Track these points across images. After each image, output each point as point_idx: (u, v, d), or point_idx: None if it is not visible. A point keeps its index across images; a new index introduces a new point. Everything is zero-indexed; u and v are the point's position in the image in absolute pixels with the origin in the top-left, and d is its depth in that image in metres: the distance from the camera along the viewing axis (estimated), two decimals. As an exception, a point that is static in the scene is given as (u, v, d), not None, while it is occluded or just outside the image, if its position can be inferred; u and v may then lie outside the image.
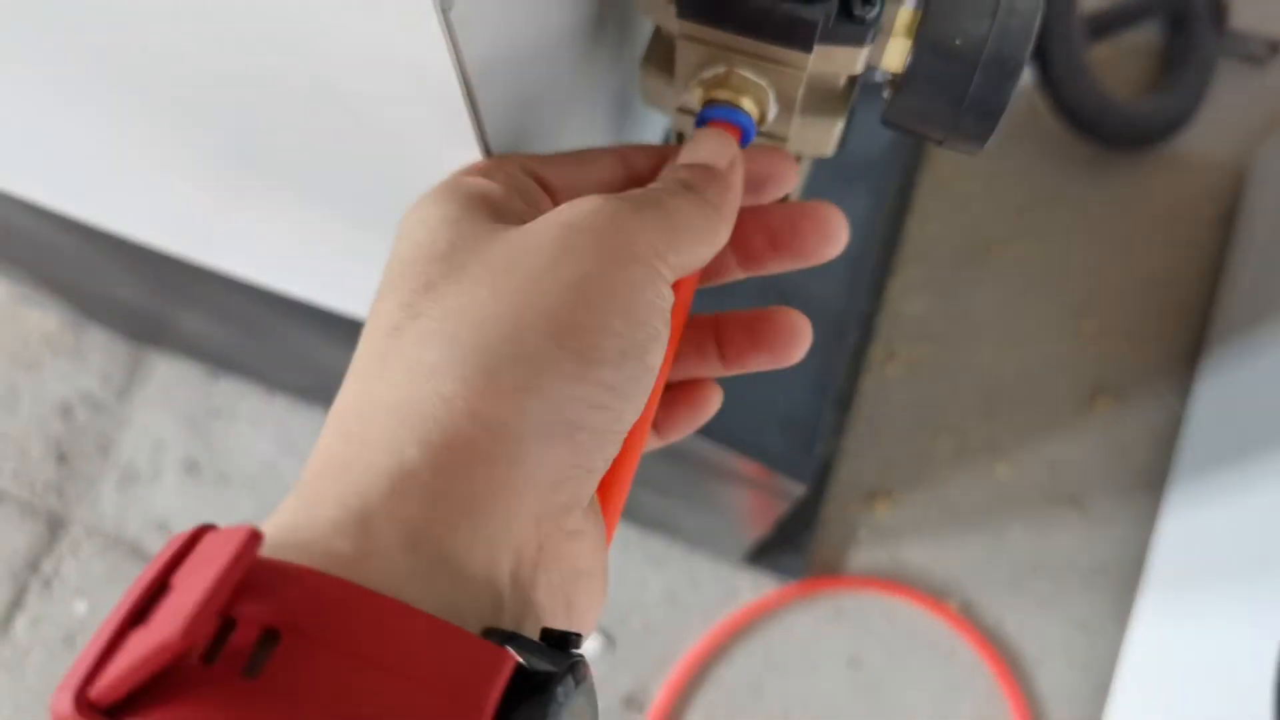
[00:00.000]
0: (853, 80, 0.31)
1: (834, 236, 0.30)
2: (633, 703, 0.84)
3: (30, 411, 0.90)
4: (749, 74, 0.30)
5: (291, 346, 0.70)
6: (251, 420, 0.89)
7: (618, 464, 0.25)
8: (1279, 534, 0.72)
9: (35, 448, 0.89)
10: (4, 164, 0.46)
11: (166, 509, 0.87)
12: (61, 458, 0.88)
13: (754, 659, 0.86)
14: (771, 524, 0.70)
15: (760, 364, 0.31)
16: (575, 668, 0.19)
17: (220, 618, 0.17)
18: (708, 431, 0.54)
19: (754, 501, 0.64)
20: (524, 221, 0.25)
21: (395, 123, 0.29)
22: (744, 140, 0.30)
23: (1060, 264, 0.98)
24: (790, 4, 0.26)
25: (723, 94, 0.30)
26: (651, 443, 0.32)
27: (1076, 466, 0.92)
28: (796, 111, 0.31)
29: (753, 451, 0.54)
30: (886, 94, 0.30)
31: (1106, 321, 0.96)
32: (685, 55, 0.30)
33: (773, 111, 0.31)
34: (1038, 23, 0.26)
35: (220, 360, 0.87)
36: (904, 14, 0.28)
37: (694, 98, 0.31)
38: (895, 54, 0.28)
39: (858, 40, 0.27)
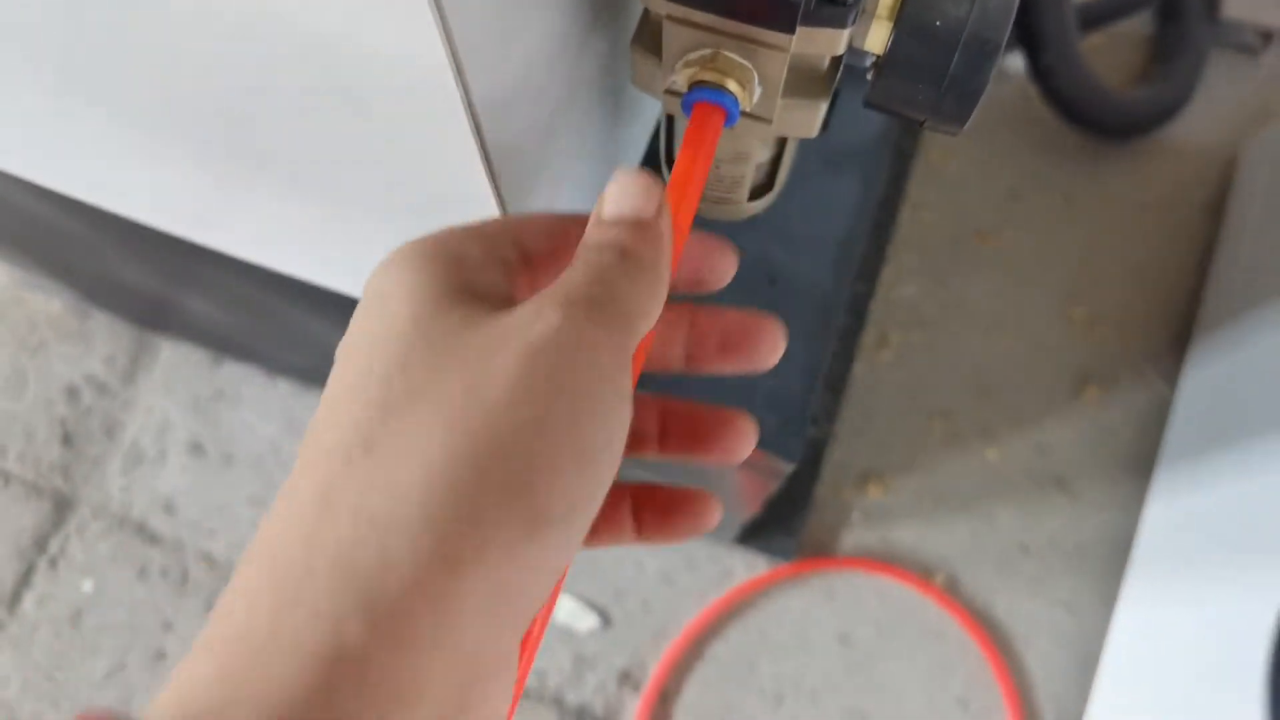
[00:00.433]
0: (836, 62, 0.33)
1: (779, 348, 0.30)
2: (628, 679, 0.85)
3: (36, 394, 0.91)
4: (734, 56, 0.31)
5: (294, 329, 0.71)
6: (255, 402, 0.90)
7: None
8: (1261, 518, 0.73)
9: (41, 429, 0.90)
10: (8, 147, 0.47)
11: (171, 490, 0.88)
12: (67, 439, 0.90)
13: (747, 637, 0.87)
14: (762, 503, 0.71)
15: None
16: None
17: None
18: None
19: (744, 481, 0.65)
20: (497, 298, 0.24)
21: (391, 110, 0.30)
22: (728, 120, 0.32)
23: (1051, 251, 1.00)
24: (772, -12, 0.27)
25: (708, 75, 0.31)
26: (627, 538, 0.30)
27: (1065, 451, 0.93)
28: (780, 93, 0.32)
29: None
30: (869, 76, 0.31)
31: (1096, 308, 0.98)
32: (672, 37, 0.31)
33: (757, 93, 0.32)
34: (1016, 5, 0.27)
35: (224, 343, 0.89)
36: (884, -3, 0.29)
37: (681, 79, 0.32)
38: (878, 36, 0.30)
39: (839, 22, 0.29)
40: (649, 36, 0.34)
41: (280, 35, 0.28)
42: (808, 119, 0.34)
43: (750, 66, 0.31)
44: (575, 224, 0.27)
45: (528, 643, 0.24)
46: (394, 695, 0.20)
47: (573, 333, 0.23)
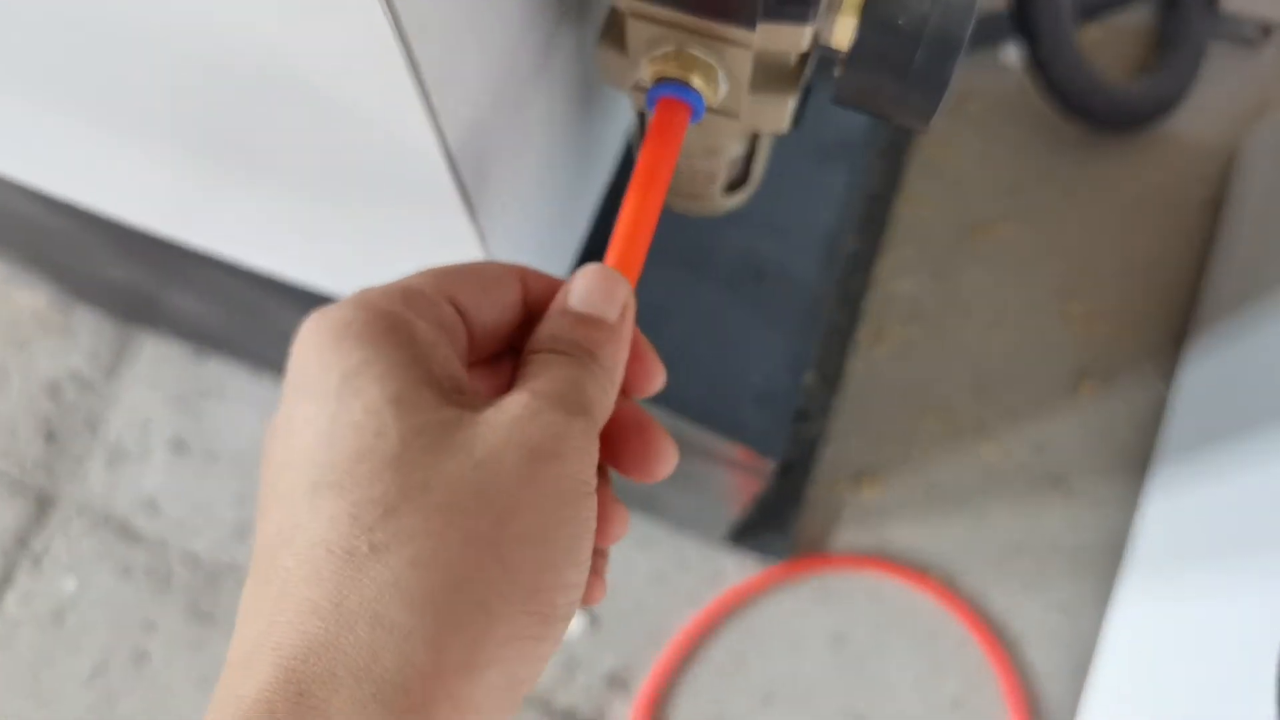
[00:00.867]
0: (804, 57, 0.32)
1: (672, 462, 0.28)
2: (616, 681, 0.84)
3: (19, 390, 0.90)
4: (698, 51, 0.30)
5: (278, 326, 0.70)
6: (239, 399, 0.89)
7: None
8: (1258, 517, 0.72)
9: (24, 426, 0.89)
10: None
11: (155, 487, 0.87)
12: (50, 436, 0.89)
13: (740, 637, 0.86)
14: (752, 501, 0.70)
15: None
16: None
17: None
18: (683, 408, 0.54)
19: (733, 478, 0.64)
20: (456, 378, 0.24)
21: (356, 107, 0.29)
22: (694, 116, 0.31)
23: (1049, 246, 0.98)
24: (731, -19, 0.26)
25: (672, 70, 0.30)
26: None
27: (1062, 448, 0.92)
28: (747, 89, 0.31)
29: (727, 427, 0.54)
30: (837, 72, 0.30)
31: (1094, 304, 0.96)
32: (636, 32, 0.30)
33: (723, 89, 0.31)
34: (978, 2, 0.27)
35: (208, 340, 0.88)
36: (851, -8, 0.28)
37: (646, 75, 0.31)
38: (843, 32, 0.29)
39: (800, 18, 0.27)
40: (615, 32, 0.32)
41: (246, 40, 0.27)
42: (777, 114, 0.32)
43: (715, 62, 0.30)
44: (506, 278, 0.27)
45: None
46: None
47: (566, 435, 0.23)
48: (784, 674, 0.86)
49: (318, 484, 0.22)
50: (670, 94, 0.30)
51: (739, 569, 0.88)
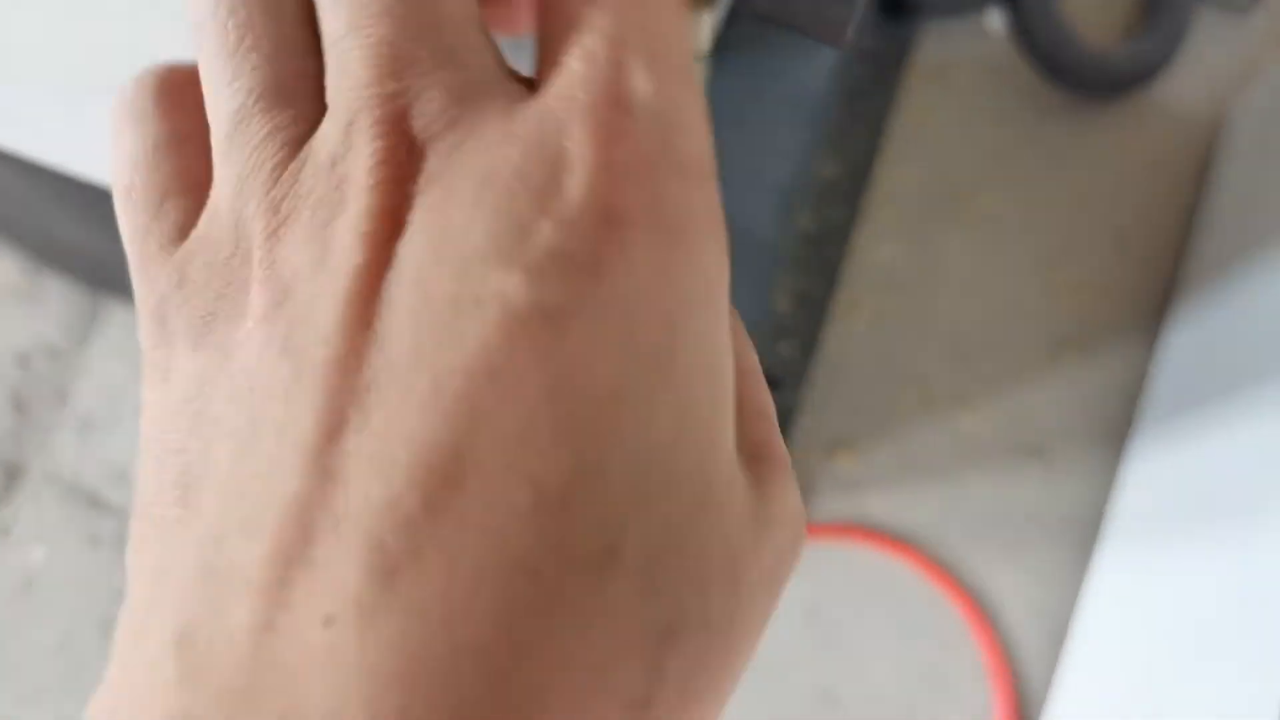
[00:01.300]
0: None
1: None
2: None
3: (-11, 359, 0.90)
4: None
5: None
6: (208, 368, 0.89)
7: None
8: (1234, 485, 0.72)
9: (-6, 395, 0.89)
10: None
11: (125, 457, 0.87)
12: (19, 406, 0.88)
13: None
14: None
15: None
16: None
17: None
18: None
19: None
20: None
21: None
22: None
23: (1032, 213, 0.97)
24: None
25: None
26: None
27: (1042, 418, 0.91)
28: None
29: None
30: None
31: (1076, 273, 0.95)
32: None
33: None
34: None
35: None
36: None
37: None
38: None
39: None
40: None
41: None
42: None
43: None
44: None
45: None
46: None
47: None
48: (757, 649, 0.85)
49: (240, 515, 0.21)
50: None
51: (714, 539, 0.87)
